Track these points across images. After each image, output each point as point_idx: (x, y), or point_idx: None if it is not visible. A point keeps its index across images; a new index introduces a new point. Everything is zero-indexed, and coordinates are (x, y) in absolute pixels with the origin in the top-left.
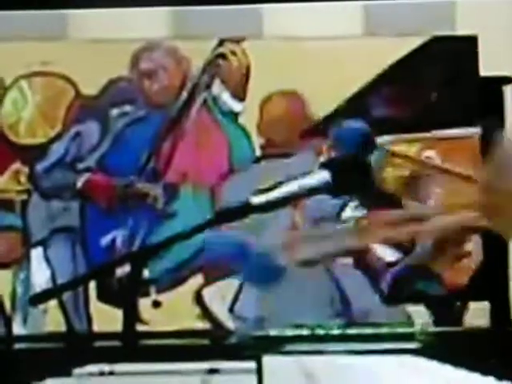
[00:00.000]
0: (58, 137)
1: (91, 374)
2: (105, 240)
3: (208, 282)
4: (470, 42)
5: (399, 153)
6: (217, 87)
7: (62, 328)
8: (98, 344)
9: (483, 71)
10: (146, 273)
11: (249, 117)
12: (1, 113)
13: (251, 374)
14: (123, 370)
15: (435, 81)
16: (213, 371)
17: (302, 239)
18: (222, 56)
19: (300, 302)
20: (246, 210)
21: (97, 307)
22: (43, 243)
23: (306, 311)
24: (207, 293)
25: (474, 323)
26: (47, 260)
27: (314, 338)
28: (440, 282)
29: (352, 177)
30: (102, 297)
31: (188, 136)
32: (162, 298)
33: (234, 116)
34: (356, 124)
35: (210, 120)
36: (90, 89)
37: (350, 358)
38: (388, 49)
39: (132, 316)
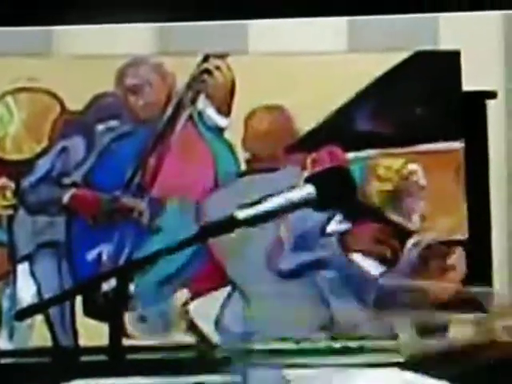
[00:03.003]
0: (44, 152)
1: None
2: (91, 255)
3: (194, 296)
4: (454, 57)
5: (383, 167)
6: (202, 102)
7: (48, 343)
8: (85, 359)
9: (466, 86)
10: (131, 287)
11: (234, 132)
12: None
13: None
14: None
15: (419, 95)
16: None
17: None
18: (207, 71)
19: (286, 315)
20: (231, 224)
21: (83, 322)
22: (29, 258)
23: (292, 325)
24: (193, 307)
25: (459, 336)
26: (33, 275)
27: (299, 352)
28: (424, 296)
29: (336, 191)
30: (88, 311)
31: (173, 151)
32: (147, 312)
33: (219, 131)
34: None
35: (195, 135)
36: (75, 104)
37: (335, 371)
38: (372, 64)
39: (118, 330)
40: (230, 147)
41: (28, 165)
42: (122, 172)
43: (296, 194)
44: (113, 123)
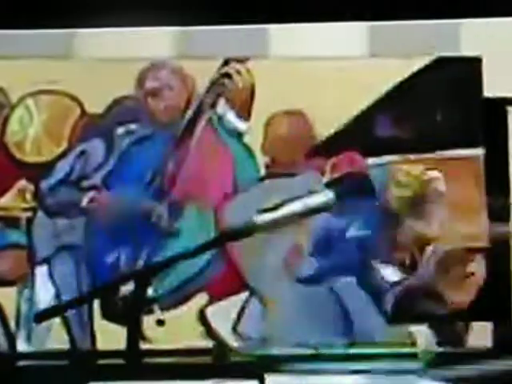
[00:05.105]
0: (64, 155)
1: None
2: (109, 258)
3: (212, 300)
4: (475, 63)
5: (403, 173)
6: (222, 106)
7: (66, 345)
8: (102, 362)
9: (487, 92)
10: (149, 291)
11: (253, 136)
12: (7, 131)
13: None
14: None
15: (439, 101)
16: None
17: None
18: (227, 75)
19: (303, 321)
20: (250, 229)
21: (101, 325)
22: (48, 261)
23: (310, 330)
24: (211, 311)
25: (477, 344)
26: (52, 277)
27: (317, 358)
28: (443, 303)
29: (356, 197)
30: (106, 315)
31: (193, 155)
32: (165, 316)
33: (238, 135)
34: None
35: (214, 139)
36: (95, 107)
37: (352, 378)
38: (393, 69)
39: (136, 334)
40: (250, 152)
41: (47, 167)
42: (141, 175)
43: (315, 200)
44: (132, 126)
